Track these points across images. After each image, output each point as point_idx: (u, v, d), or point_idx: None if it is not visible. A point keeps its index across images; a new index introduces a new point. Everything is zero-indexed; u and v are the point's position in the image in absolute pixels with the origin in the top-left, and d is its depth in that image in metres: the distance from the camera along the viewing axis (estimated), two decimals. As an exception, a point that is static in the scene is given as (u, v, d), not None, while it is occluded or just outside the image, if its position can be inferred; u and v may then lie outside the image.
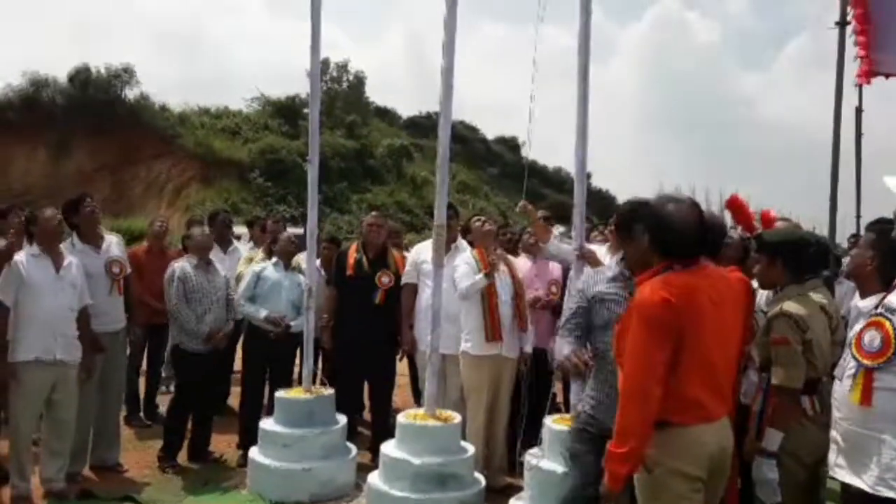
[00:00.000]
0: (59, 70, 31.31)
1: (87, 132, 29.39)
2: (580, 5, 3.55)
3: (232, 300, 5.49)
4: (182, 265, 5.35)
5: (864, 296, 3.13)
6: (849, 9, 5.15)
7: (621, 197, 47.23)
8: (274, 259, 5.72)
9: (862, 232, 7.32)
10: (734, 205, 4.04)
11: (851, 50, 5.32)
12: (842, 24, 4.71)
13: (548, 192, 38.99)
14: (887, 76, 6.30)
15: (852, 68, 5.64)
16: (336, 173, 30.27)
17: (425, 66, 57.94)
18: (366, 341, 5.31)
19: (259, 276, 5.58)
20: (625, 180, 68.97)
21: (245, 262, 6.44)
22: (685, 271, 2.45)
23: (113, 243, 5.21)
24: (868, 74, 5.60)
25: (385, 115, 42.36)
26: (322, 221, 23.18)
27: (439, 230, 4.39)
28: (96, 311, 4.82)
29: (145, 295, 5.92)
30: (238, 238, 8.25)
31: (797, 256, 3.21)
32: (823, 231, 5.69)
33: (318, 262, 5.60)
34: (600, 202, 40.60)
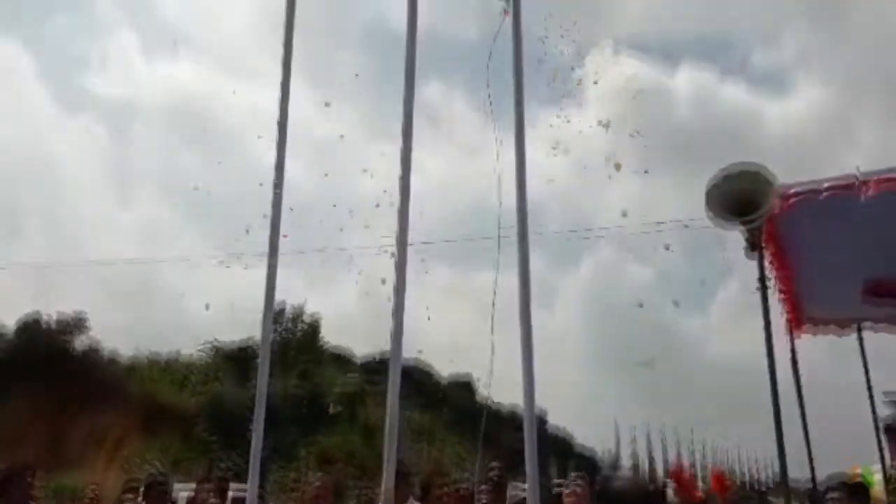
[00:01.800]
0: (8, 318, 31.03)
1: (29, 383, 28.48)
2: (518, 260, 3.70)
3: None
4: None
5: None
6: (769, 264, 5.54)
7: (578, 436, 46.72)
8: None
9: (818, 476, 7.24)
10: (677, 476, 4.02)
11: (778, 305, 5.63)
12: (762, 282, 5.03)
13: (505, 435, 38.27)
14: (815, 325, 6.69)
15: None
16: (287, 419, 29.44)
17: (380, 307, 58.90)
18: None
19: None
20: (581, 419, 68.51)
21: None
22: None
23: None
24: (796, 327, 5.93)
25: (339, 359, 42.31)
26: (266, 477, 21.98)
27: (387, 495, 4.18)
28: None
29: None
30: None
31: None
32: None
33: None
34: (557, 444, 39.93)
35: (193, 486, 8.81)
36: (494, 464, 5.66)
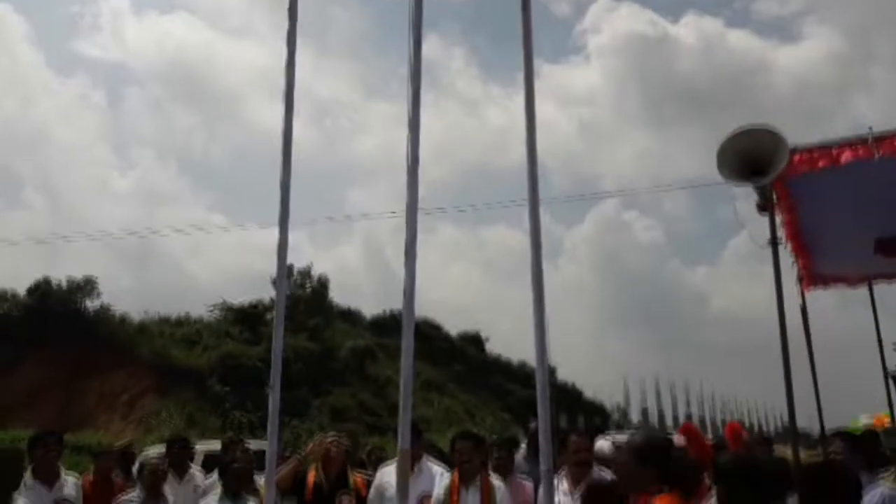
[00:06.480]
0: (19, 283, 31.34)
1: (42, 345, 28.85)
2: (529, 211, 3.67)
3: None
4: (128, 498, 5.10)
5: None
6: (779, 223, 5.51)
7: (587, 391, 47.11)
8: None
9: (826, 429, 7.31)
10: (689, 432, 4.04)
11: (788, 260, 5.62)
12: (774, 243, 5.00)
13: (514, 388, 38.74)
14: (826, 283, 6.68)
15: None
16: (298, 377, 29.81)
17: (387, 267, 59.10)
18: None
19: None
20: (589, 372, 69.12)
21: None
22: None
23: (68, 483, 5.12)
24: (807, 285, 5.93)
25: (348, 316, 42.50)
26: (282, 430, 22.37)
27: (403, 455, 4.25)
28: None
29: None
30: (192, 459, 7.86)
31: (754, 485, 3.04)
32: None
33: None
34: (566, 398, 40.38)
35: (210, 443, 9.00)
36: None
